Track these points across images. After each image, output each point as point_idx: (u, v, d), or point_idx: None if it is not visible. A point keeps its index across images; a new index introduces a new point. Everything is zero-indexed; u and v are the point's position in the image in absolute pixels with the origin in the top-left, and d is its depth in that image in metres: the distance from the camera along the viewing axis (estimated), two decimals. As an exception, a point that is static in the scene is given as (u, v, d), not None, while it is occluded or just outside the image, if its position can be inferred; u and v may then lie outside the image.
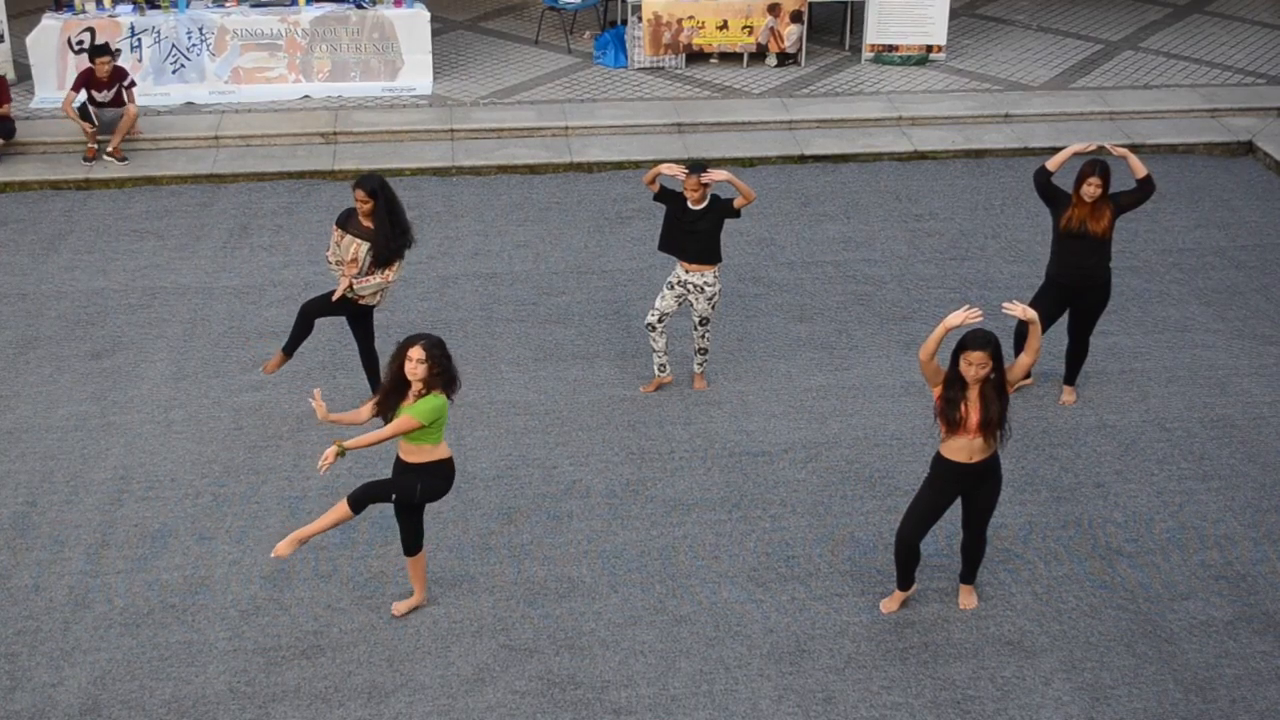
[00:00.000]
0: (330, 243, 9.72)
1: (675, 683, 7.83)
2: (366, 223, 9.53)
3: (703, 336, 10.31)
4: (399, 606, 8.26)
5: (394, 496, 7.79)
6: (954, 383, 7.62)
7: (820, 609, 8.36)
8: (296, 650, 8.02)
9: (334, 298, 9.66)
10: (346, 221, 9.63)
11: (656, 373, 10.48)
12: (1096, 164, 9.74)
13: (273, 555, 7.77)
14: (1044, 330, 10.09)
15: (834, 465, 9.69)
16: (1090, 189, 9.69)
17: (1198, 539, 9.01)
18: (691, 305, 10.16)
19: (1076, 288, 10.06)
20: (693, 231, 9.89)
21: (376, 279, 9.60)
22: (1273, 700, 7.76)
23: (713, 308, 10.15)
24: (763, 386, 10.59)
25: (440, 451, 7.75)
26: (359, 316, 9.87)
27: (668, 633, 8.18)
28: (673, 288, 10.10)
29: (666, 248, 10.08)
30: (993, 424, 7.62)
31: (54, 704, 7.63)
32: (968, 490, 7.92)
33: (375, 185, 9.42)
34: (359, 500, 7.68)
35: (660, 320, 10.20)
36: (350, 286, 9.58)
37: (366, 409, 7.78)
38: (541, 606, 8.37)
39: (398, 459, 7.82)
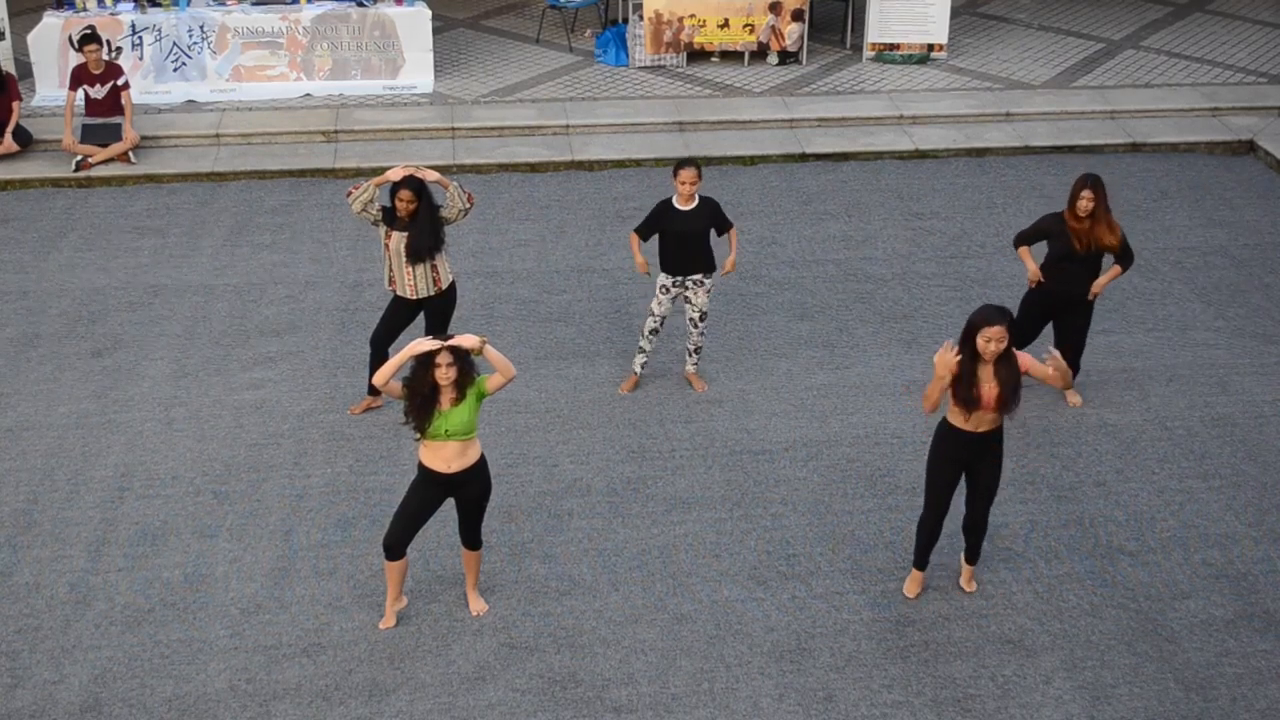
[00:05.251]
0: (365, 186, 9.58)
1: (676, 681, 7.83)
2: (405, 219, 9.53)
3: (701, 334, 10.29)
4: (479, 605, 8.32)
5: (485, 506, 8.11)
6: (970, 363, 7.73)
7: (821, 607, 8.36)
8: (297, 648, 8.02)
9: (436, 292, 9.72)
10: (390, 219, 9.61)
11: (638, 370, 10.45)
12: (1089, 177, 9.75)
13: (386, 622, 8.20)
14: (1031, 340, 10.16)
15: (835, 464, 9.69)
16: (1084, 203, 9.66)
17: (1199, 538, 9.01)
18: (690, 301, 10.16)
19: (1071, 300, 10.07)
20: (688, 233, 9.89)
21: (455, 193, 9.58)
22: (1273, 699, 7.76)
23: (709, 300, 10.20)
24: (764, 385, 10.59)
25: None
26: (440, 309, 9.84)
27: (668, 631, 8.18)
28: (667, 291, 10.09)
29: (674, 268, 10.04)
30: (1006, 401, 7.75)
31: (55, 702, 7.64)
32: (972, 460, 7.99)
33: (419, 184, 9.42)
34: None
35: (661, 324, 10.22)
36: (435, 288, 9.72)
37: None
38: (542, 604, 8.37)
39: (448, 476, 7.83)
